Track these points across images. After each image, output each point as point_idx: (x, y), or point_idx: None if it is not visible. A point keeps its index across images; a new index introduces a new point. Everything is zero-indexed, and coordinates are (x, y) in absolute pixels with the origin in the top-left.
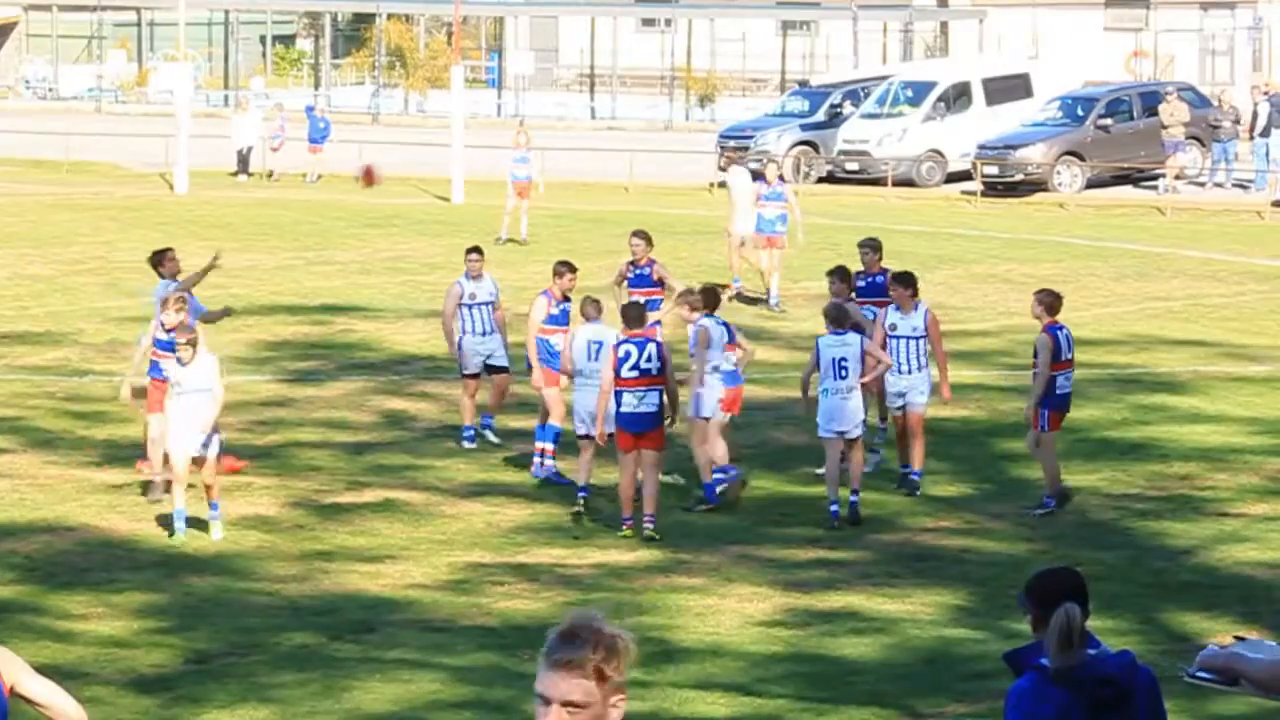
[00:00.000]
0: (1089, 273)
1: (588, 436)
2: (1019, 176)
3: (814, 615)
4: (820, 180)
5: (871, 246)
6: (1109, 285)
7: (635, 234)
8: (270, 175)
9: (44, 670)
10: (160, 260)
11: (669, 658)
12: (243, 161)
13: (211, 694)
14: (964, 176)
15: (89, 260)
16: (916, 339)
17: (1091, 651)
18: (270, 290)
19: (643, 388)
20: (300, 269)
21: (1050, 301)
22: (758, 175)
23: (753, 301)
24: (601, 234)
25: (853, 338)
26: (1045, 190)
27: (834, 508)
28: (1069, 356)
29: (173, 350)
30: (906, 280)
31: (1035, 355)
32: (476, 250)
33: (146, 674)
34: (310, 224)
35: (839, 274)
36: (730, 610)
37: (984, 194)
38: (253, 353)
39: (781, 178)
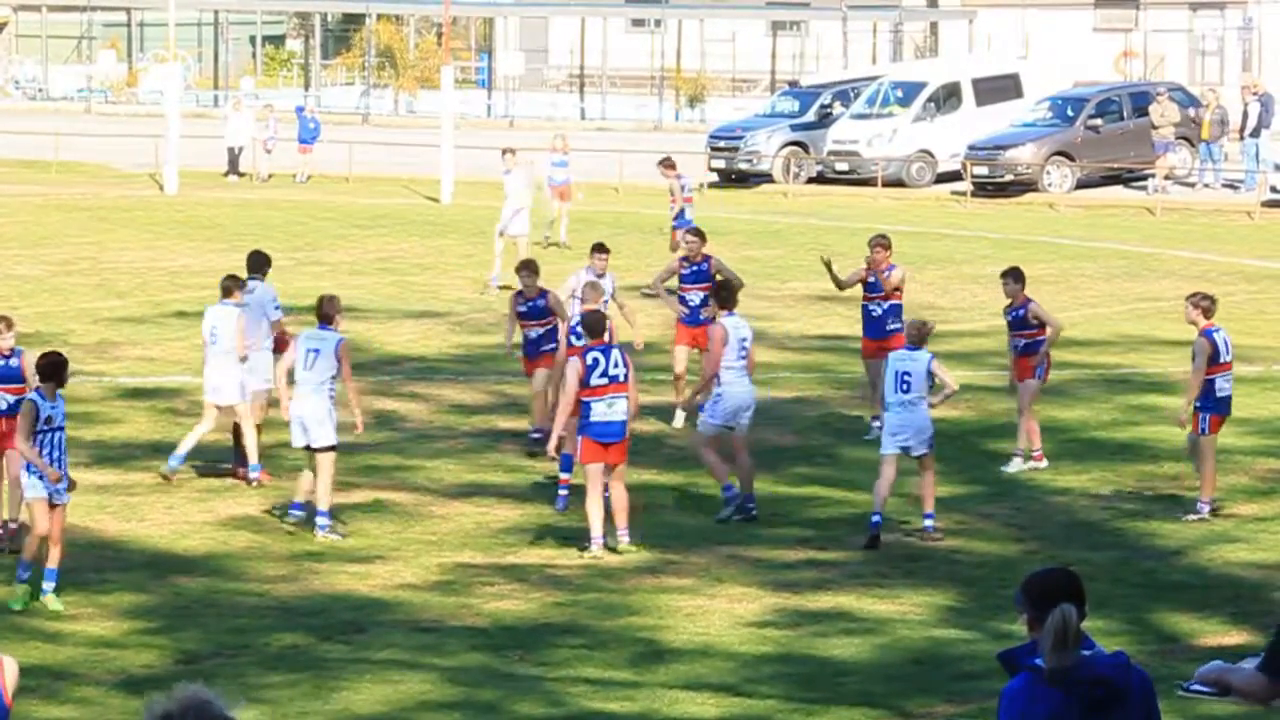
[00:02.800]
0: (1079, 273)
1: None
2: (1009, 177)
3: (804, 616)
4: (810, 180)
5: (1014, 277)
6: (1099, 285)
7: (690, 231)
8: (261, 176)
9: (33, 671)
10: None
11: (659, 658)
12: (233, 161)
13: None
14: (954, 177)
15: (79, 261)
16: None
17: (1086, 652)
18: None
19: (611, 394)
20: (290, 270)
21: (1206, 305)
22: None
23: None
24: (592, 234)
25: (922, 355)
26: (1035, 190)
27: (876, 519)
28: (1228, 359)
29: None
30: None
31: (1194, 359)
32: (602, 247)
33: (136, 674)
34: (300, 224)
35: (1013, 275)
36: (720, 611)
37: (974, 194)
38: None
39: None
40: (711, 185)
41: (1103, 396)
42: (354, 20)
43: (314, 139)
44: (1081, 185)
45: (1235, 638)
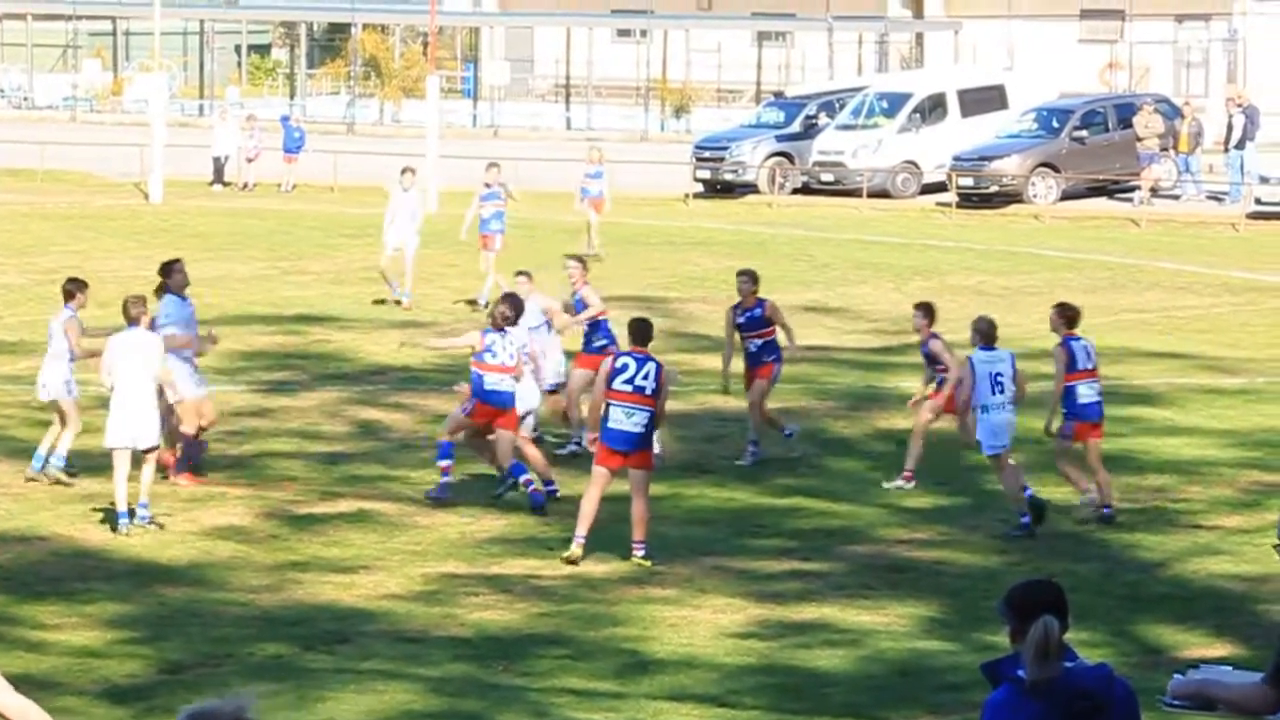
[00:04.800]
0: (1063, 284)
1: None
2: (994, 188)
3: (788, 627)
4: (795, 191)
5: (750, 278)
6: (1083, 297)
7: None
8: (246, 186)
9: (16, 680)
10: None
11: (643, 669)
12: (219, 171)
13: (184, 704)
14: (939, 188)
15: (64, 269)
16: None
17: (1069, 664)
18: (244, 300)
19: (631, 404)
20: (275, 279)
21: (1070, 315)
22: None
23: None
24: (576, 245)
25: (1005, 353)
26: (1020, 202)
27: (1025, 519)
28: (1088, 366)
29: None
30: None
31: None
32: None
33: (120, 684)
34: (285, 234)
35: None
36: (704, 622)
37: (959, 205)
38: (227, 363)
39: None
40: (697, 196)
41: None
42: (339, 30)
43: (299, 148)
44: (1067, 196)
45: (1219, 650)
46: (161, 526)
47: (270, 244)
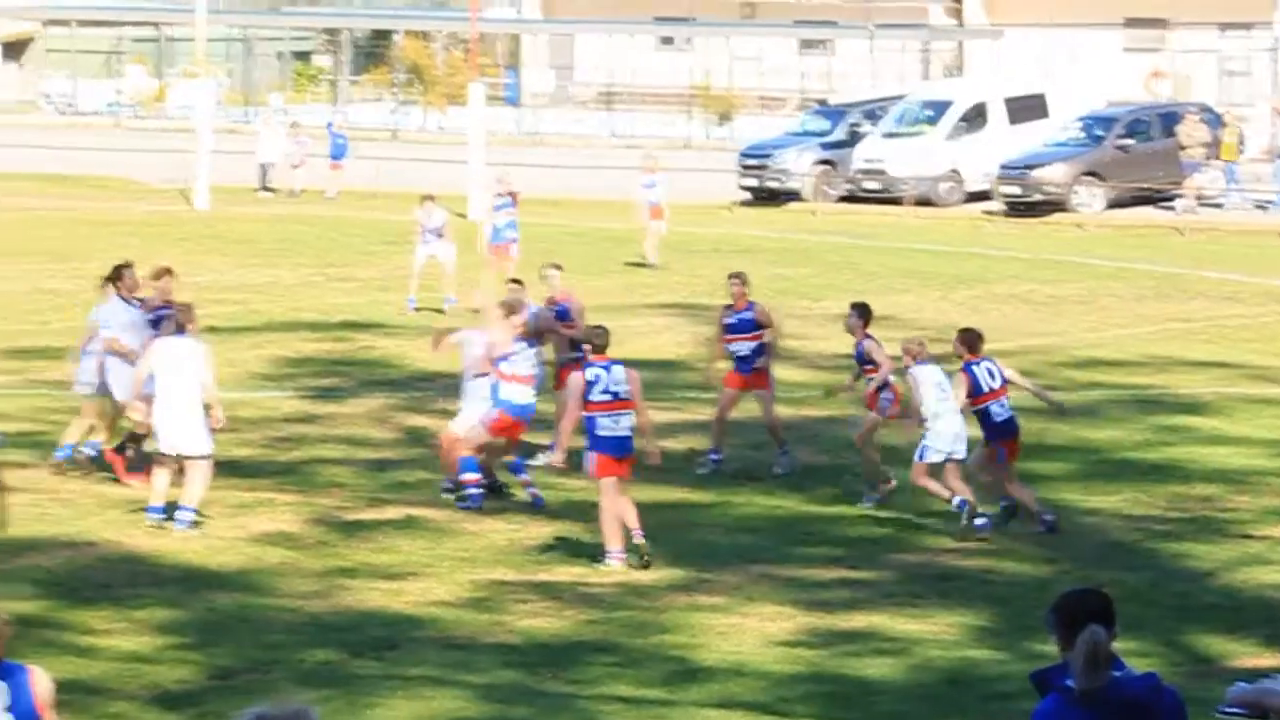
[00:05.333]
0: (1109, 293)
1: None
2: (1038, 196)
3: (836, 635)
4: (840, 199)
5: (742, 280)
6: (1129, 306)
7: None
8: (292, 192)
9: (67, 686)
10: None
11: (691, 677)
12: (264, 177)
13: (234, 710)
14: (983, 196)
15: None
16: None
17: (1117, 673)
18: (291, 306)
19: (615, 411)
20: (321, 285)
21: (970, 340)
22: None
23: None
24: (620, 251)
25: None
26: (1065, 210)
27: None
28: (995, 386)
29: None
30: None
31: None
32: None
33: (170, 690)
34: (330, 240)
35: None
36: (752, 629)
37: (1004, 214)
38: (274, 369)
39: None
40: (741, 203)
41: (1134, 417)
42: (382, 37)
43: (343, 155)
44: (1111, 205)
45: (1270, 660)
46: (198, 524)
47: (316, 250)
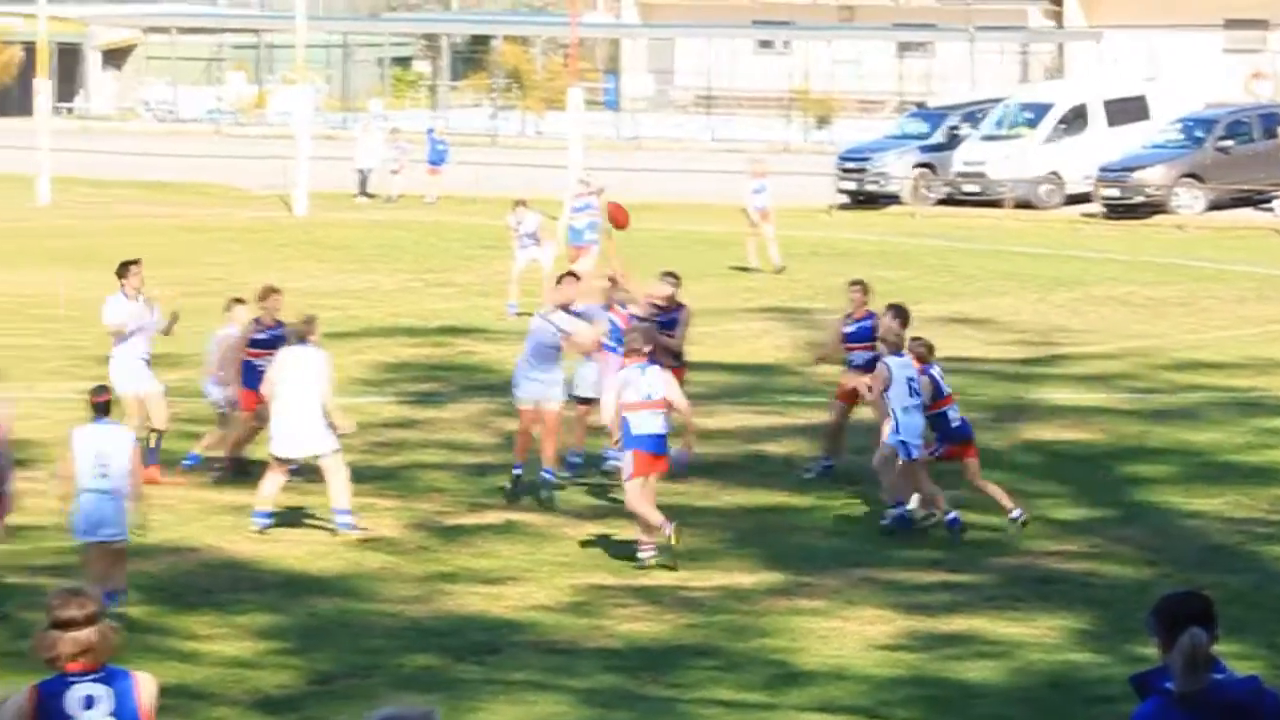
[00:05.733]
0: (1209, 295)
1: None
2: (1139, 198)
3: (937, 638)
4: (939, 202)
5: (863, 289)
6: (1230, 308)
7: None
8: (391, 197)
9: (170, 690)
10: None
11: (792, 680)
12: (363, 183)
13: (335, 715)
14: (1083, 198)
15: (209, 282)
16: None
17: (1218, 676)
18: (390, 312)
19: (649, 410)
20: (420, 290)
21: (920, 351)
22: None
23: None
24: (719, 256)
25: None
26: (1165, 212)
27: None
28: (949, 392)
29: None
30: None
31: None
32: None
33: (271, 695)
34: (429, 245)
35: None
36: (853, 633)
37: (1104, 216)
38: (374, 374)
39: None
40: (840, 207)
41: (1235, 419)
42: (481, 42)
43: (443, 161)
44: (1212, 207)
45: None
46: (366, 530)
47: (415, 256)
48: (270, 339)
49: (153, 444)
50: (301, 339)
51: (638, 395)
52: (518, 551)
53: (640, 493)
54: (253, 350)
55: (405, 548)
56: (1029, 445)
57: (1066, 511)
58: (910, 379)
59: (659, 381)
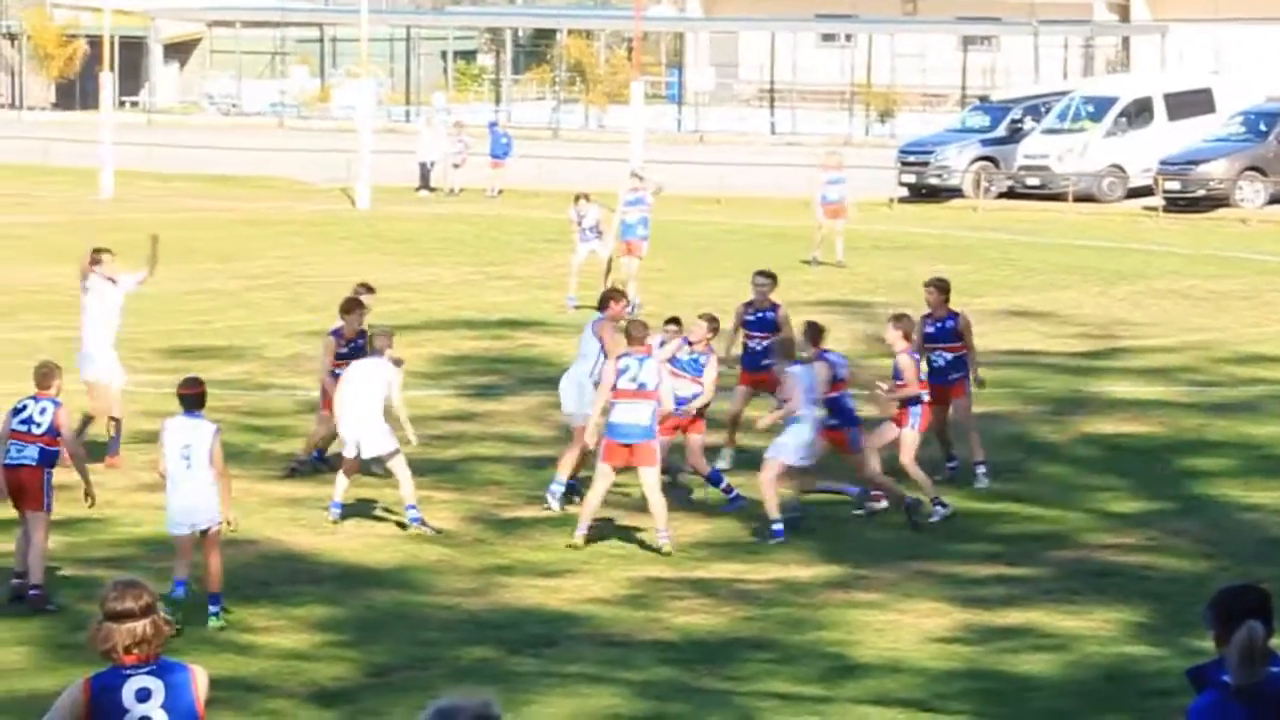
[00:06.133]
0: (1272, 289)
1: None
2: (1201, 192)
3: (993, 631)
4: (1001, 195)
5: (940, 288)
6: None
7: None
8: (453, 191)
9: (225, 683)
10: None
11: (848, 673)
12: (425, 176)
13: (391, 707)
14: (1145, 192)
15: (272, 275)
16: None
17: (1275, 669)
18: (450, 305)
19: (633, 400)
20: (480, 283)
21: (905, 328)
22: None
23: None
24: (781, 249)
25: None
26: (1228, 206)
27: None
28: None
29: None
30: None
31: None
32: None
33: (328, 687)
34: (491, 239)
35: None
36: (909, 626)
37: (1166, 209)
38: (433, 367)
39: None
40: (901, 200)
41: None
42: (545, 36)
43: (506, 154)
44: (1275, 200)
45: None
46: (439, 531)
47: (476, 249)
48: (351, 352)
49: (112, 433)
50: (378, 351)
51: (632, 384)
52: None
53: (607, 482)
54: (339, 362)
55: (462, 540)
56: (1088, 438)
57: (1125, 504)
58: (810, 387)
59: (654, 374)
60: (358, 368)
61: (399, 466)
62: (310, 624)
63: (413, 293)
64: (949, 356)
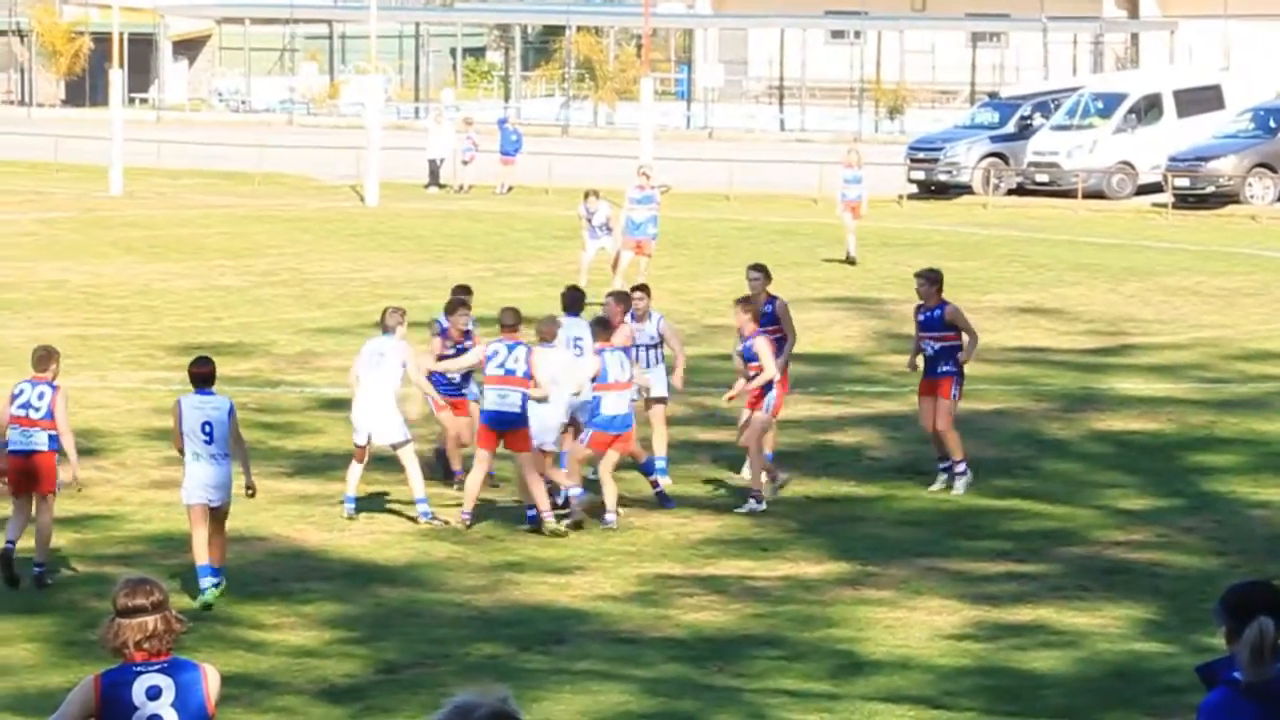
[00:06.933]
0: None
1: None
2: (1210, 189)
3: (1003, 628)
4: (1010, 192)
5: (929, 279)
6: None
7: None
8: (461, 188)
9: (236, 679)
10: None
11: (857, 670)
12: (434, 173)
13: (402, 704)
14: (1154, 189)
15: (281, 272)
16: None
17: None
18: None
19: (506, 387)
20: (490, 280)
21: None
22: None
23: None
24: (790, 245)
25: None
26: (1237, 202)
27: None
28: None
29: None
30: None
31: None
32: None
33: (338, 684)
34: (500, 236)
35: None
36: (919, 623)
37: (1175, 206)
38: None
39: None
40: (910, 197)
41: None
42: (554, 32)
43: (516, 151)
44: None
45: None
46: (447, 523)
47: (486, 246)
48: (458, 354)
49: None
50: (388, 329)
51: (500, 370)
52: (584, 541)
53: (485, 465)
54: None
55: (472, 537)
56: (1097, 435)
57: (1134, 501)
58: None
59: (524, 360)
60: (370, 348)
61: (409, 458)
62: (320, 621)
63: (422, 290)
64: (937, 346)
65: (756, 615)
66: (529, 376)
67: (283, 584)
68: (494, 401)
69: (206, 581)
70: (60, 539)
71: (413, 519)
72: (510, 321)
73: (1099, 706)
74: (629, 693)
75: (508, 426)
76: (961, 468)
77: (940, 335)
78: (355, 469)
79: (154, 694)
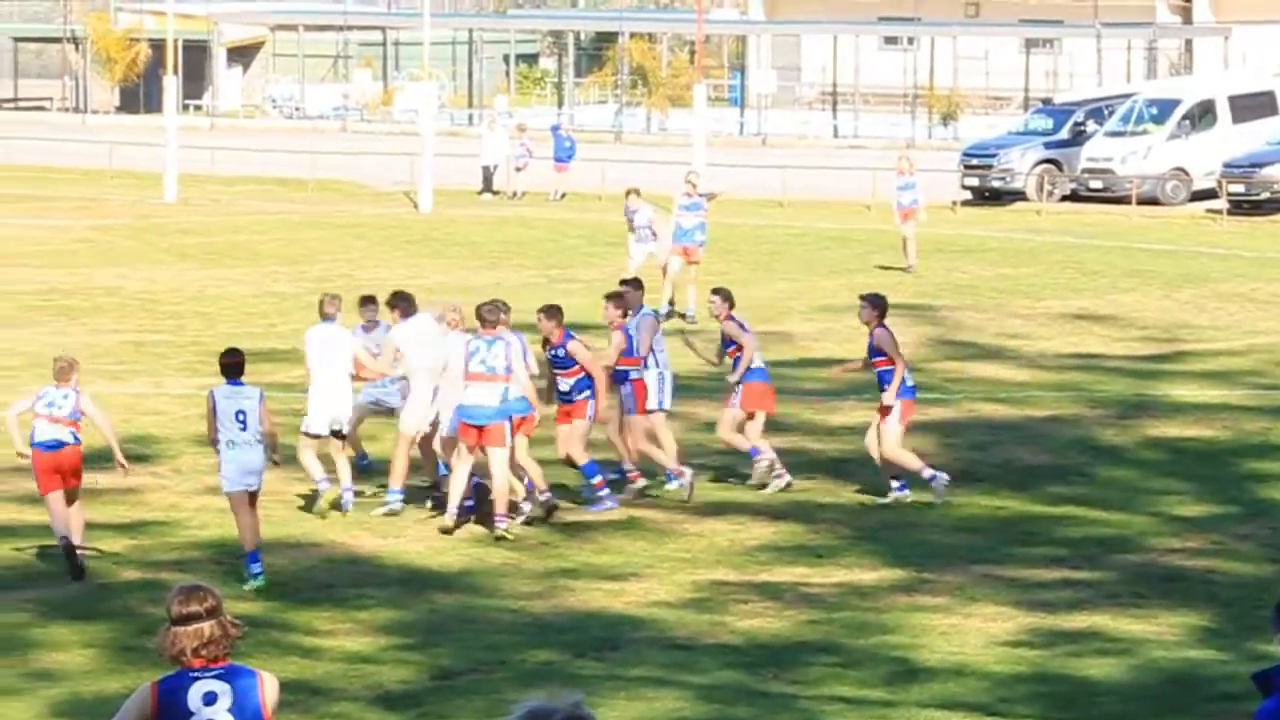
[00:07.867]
0: None
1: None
2: (1265, 195)
3: (1059, 635)
4: (1064, 198)
5: (870, 303)
6: None
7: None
8: (515, 194)
9: (291, 686)
10: None
11: (913, 677)
12: (487, 180)
13: (457, 710)
14: (1209, 195)
15: (334, 278)
16: None
17: None
18: (514, 309)
19: (486, 383)
20: (544, 287)
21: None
22: None
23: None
24: (844, 252)
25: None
26: None
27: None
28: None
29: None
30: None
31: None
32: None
33: (393, 690)
34: (553, 242)
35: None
36: (974, 630)
37: (1229, 212)
38: None
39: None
40: (964, 203)
41: None
42: (607, 38)
43: (570, 157)
44: None
45: None
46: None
47: (539, 253)
48: (553, 360)
49: None
50: (327, 317)
51: (480, 367)
52: (639, 548)
53: (468, 462)
54: (555, 371)
55: (527, 543)
56: (1152, 441)
57: (1189, 508)
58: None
59: (503, 357)
60: (314, 336)
61: (341, 448)
62: (375, 627)
63: (475, 296)
64: (876, 370)
65: (811, 622)
66: (509, 372)
67: (337, 590)
68: (474, 398)
69: (257, 568)
70: (116, 545)
71: (481, 523)
72: (490, 318)
73: (1154, 714)
74: (683, 699)
75: (488, 421)
76: (929, 474)
77: (875, 360)
78: (313, 459)
79: (210, 700)
